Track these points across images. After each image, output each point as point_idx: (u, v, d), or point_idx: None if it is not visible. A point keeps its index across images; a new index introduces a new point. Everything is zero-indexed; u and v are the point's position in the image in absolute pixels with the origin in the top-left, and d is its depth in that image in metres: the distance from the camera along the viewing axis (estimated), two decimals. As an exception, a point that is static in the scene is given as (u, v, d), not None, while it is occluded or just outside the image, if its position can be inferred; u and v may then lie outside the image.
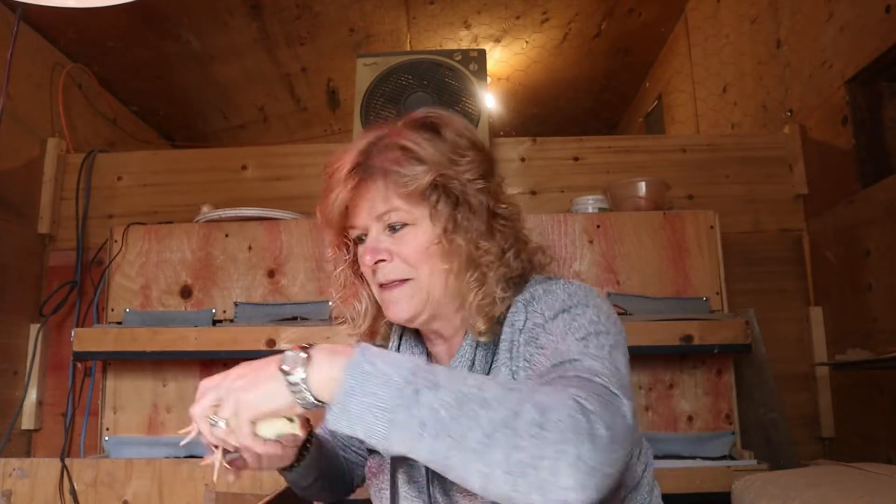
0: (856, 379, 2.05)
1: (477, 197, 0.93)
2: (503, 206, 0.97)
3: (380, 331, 1.05)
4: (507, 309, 0.93)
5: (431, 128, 0.96)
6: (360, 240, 0.97)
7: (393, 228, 0.93)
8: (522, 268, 0.97)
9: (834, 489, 1.27)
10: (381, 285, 0.95)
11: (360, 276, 1.01)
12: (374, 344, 1.01)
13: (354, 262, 1.00)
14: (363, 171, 0.92)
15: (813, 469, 1.56)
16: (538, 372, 0.81)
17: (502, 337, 0.93)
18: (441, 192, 0.92)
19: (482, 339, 0.93)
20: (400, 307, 0.94)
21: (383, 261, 0.93)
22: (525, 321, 0.90)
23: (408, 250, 0.92)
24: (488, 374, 0.92)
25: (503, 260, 0.94)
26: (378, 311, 1.02)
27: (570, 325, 0.84)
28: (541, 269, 1.00)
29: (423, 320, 0.96)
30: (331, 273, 1.06)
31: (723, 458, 1.83)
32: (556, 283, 0.93)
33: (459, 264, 0.92)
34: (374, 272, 0.95)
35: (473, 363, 0.93)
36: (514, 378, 0.89)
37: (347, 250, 1.00)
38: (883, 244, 1.87)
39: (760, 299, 2.17)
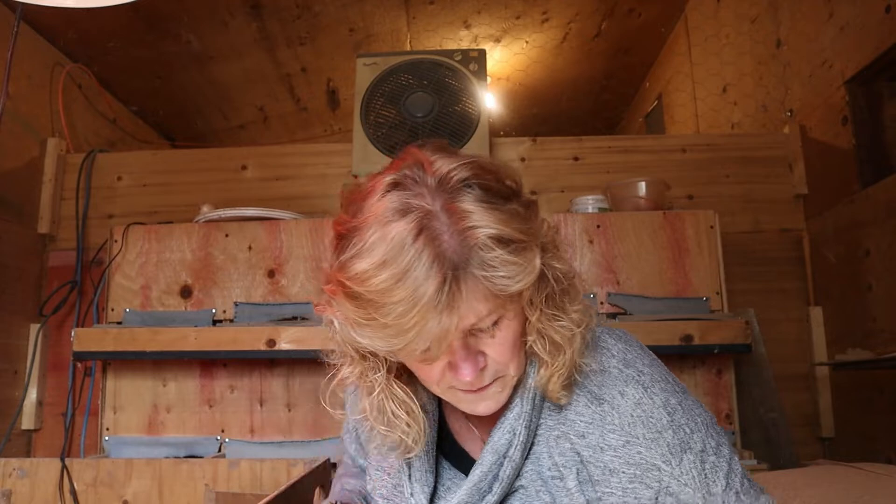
0: (856, 379, 2.05)
1: (554, 267, 0.79)
2: (576, 289, 0.84)
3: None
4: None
5: (503, 195, 0.75)
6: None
7: (482, 329, 0.75)
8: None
9: (834, 489, 1.27)
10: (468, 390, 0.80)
11: (397, 382, 0.85)
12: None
13: (390, 368, 0.84)
14: (451, 292, 0.69)
15: (813, 469, 1.56)
16: None
17: (546, 414, 0.84)
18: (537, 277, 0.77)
19: (558, 397, 0.83)
20: (488, 405, 0.81)
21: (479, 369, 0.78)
22: (604, 437, 0.81)
23: (503, 348, 0.77)
24: (527, 449, 0.84)
25: (580, 329, 0.81)
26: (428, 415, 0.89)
27: (705, 470, 0.81)
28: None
29: None
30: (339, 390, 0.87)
31: (723, 458, 1.82)
32: (629, 383, 0.83)
33: (545, 347, 0.80)
34: (454, 375, 0.78)
35: (512, 444, 0.83)
36: (582, 493, 0.81)
37: (382, 365, 0.83)
38: (883, 244, 1.87)
39: (760, 299, 2.17)
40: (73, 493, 1.78)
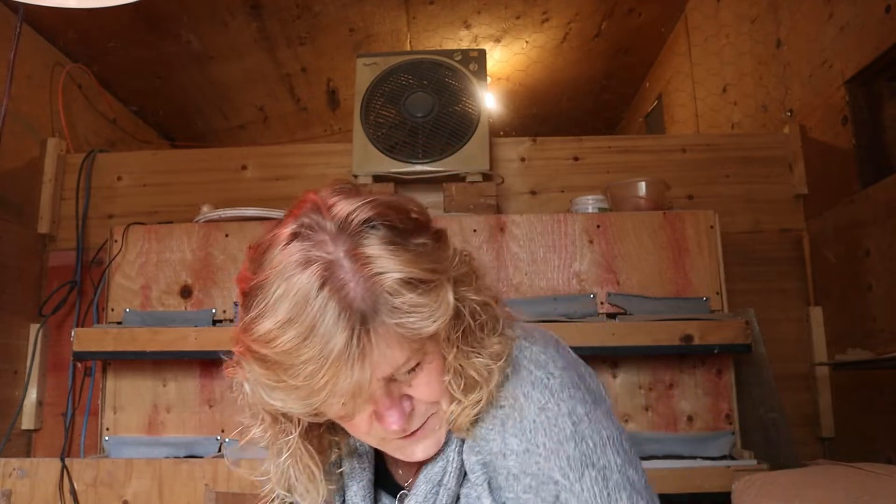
0: (856, 379, 2.05)
1: (469, 300, 0.76)
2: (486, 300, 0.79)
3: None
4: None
5: (409, 231, 0.72)
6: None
7: (406, 372, 0.73)
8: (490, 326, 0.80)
9: (834, 489, 1.27)
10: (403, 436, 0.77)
11: (306, 446, 0.81)
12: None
13: (303, 428, 0.80)
14: (360, 349, 0.67)
15: (813, 469, 1.56)
16: None
17: (466, 449, 0.79)
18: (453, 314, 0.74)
19: (468, 432, 0.78)
20: (427, 445, 0.79)
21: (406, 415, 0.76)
22: (505, 443, 0.76)
23: (429, 388, 0.75)
24: (462, 475, 0.80)
25: (499, 364, 0.78)
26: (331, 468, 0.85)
27: (607, 489, 0.73)
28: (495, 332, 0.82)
29: None
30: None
31: (723, 458, 1.83)
32: (535, 385, 0.78)
33: (467, 384, 0.77)
34: (383, 426, 0.75)
35: (446, 472, 0.80)
36: None
37: (294, 427, 0.79)
38: (883, 244, 1.87)
39: (760, 299, 2.17)
40: (73, 493, 1.78)
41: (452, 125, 2.17)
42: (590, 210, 2.10)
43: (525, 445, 0.75)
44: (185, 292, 2.01)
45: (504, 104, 4.06)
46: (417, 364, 0.72)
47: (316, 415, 0.74)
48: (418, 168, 2.16)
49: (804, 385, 2.20)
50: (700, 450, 1.84)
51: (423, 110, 2.18)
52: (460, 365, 0.75)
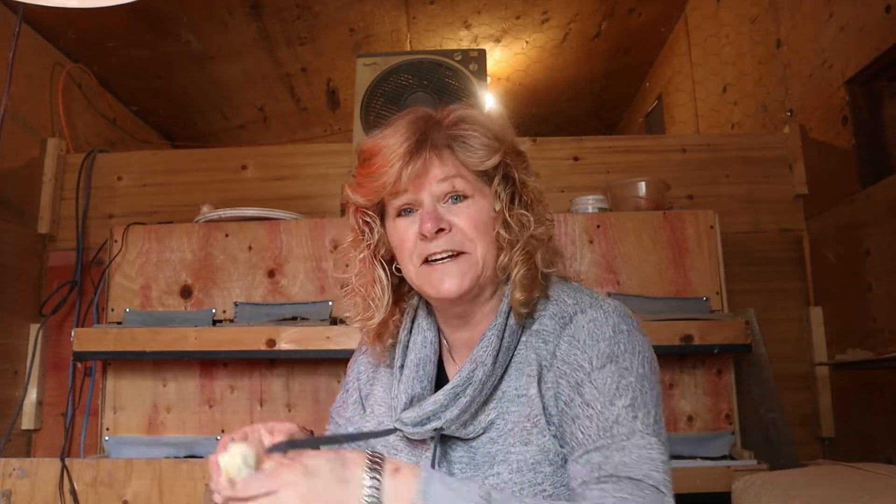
0: (856, 379, 2.05)
1: (529, 190, 0.96)
2: (543, 205, 0.99)
3: (389, 328, 1.02)
4: (535, 305, 0.94)
5: (490, 119, 0.98)
6: (405, 212, 0.94)
7: (454, 199, 0.93)
8: (550, 261, 0.98)
9: (834, 489, 1.27)
10: (430, 260, 0.93)
11: (381, 263, 1.00)
12: (383, 345, 1.03)
13: (377, 247, 0.99)
14: (424, 144, 0.92)
15: (813, 469, 1.56)
16: (585, 440, 0.83)
17: (524, 339, 0.93)
18: (503, 173, 0.95)
19: (521, 311, 0.93)
20: (452, 281, 0.92)
21: (442, 230, 0.91)
22: (558, 346, 0.90)
23: (469, 222, 0.92)
24: (507, 368, 0.93)
25: (548, 246, 0.97)
26: (395, 303, 1.01)
27: (619, 384, 0.84)
28: (552, 266, 0.99)
29: (469, 298, 0.94)
30: (344, 260, 1.03)
31: (723, 458, 1.83)
32: (593, 307, 0.92)
33: (511, 242, 0.93)
34: (424, 243, 0.92)
35: (498, 355, 0.91)
36: (541, 397, 0.89)
37: (372, 232, 0.99)
38: (883, 244, 1.87)
39: (760, 299, 2.17)
40: (73, 493, 1.78)
41: (452, 125, 2.16)
42: (590, 210, 2.10)
43: (571, 343, 0.89)
44: (185, 292, 2.01)
45: (504, 104, 4.06)
46: (464, 197, 0.93)
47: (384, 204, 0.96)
48: (418, 168, 2.15)
49: (804, 385, 2.20)
50: (700, 450, 1.84)
51: (423, 110, 2.17)
52: (508, 217, 0.93)
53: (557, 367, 0.88)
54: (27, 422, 2.23)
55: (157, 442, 1.96)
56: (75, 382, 2.23)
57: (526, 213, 0.95)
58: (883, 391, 1.91)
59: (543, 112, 4.21)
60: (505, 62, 3.75)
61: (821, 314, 2.20)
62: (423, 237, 0.92)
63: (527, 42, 3.59)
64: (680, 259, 1.94)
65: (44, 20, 2.47)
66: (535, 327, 0.93)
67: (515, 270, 0.92)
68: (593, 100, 4.30)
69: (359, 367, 1.12)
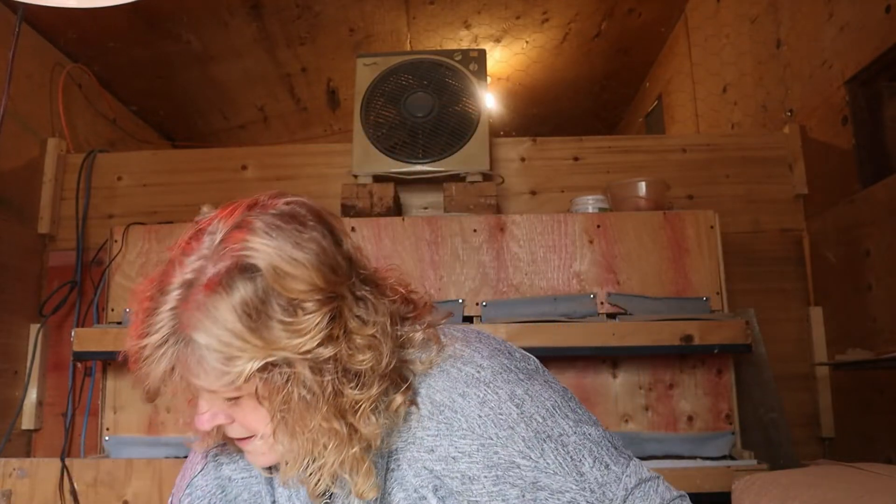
0: (856, 379, 2.05)
1: (325, 350, 0.75)
2: (365, 296, 0.80)
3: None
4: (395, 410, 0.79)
5: (245, 306, 0.73)
6: None
7: (221, 397, 0.78)
8: (400, 361, 0.80)
9: (834, 489, 1.27)
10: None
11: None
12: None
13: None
14: (177, 342, 0.76)
15: (813, 469, 1.56)
16: None
17: (398, 456, 0.80)
18: (272, 371, 0.74)
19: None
20: (259, 460, 0.82)
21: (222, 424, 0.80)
22: (438, 440, 0.78)
23: (248, 419, 0.78)
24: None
25: (378, 393, 0.77)
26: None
27: (570, 452, 0.78)
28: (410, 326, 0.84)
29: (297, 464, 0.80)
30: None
31: (723, 458, 1.83)
32: (471, 383, 0.79)
33: (315, 421, 0.75)
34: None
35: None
36: None
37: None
38: (883, 244, 1.87)
39: (760, 299, 2.17)
40: (73, 493, 1.78)
41: (452, 125, 2.17)
42: (590, 210, 2.10)
43: (479, 442, 0.78)
44: (185, 292, 2.01)
45: (504, 104, 4.06)
46: (238, 398, 0.77)
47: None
48: (418, 168, 2.16)
49: (804, 385, 2.20)
50: (700, 450, 1.84)
51: (423, 110, 2.18)
52: (283, 417, 0.75)
53: (469, 476, 0.77)
54: (27, 422, 2.23)
55: (157, 442, 1.95)
56: (75, 382, 2.23)
57: (320, 394, 0.75)
58: (883, 391, 1.91)
59: (543, 112, 4.21)
60: (505, 62, 3.76)
61: (821, 314, 2.20)
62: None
63: (527, 42, 3.59)
64: (680, 259, 1.94)
65: (44, 20, 2.47)
66: (414, 436, 0.80)
67: (331, 458, 0.77)
68: (593, 100, 4.30)
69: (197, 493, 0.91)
